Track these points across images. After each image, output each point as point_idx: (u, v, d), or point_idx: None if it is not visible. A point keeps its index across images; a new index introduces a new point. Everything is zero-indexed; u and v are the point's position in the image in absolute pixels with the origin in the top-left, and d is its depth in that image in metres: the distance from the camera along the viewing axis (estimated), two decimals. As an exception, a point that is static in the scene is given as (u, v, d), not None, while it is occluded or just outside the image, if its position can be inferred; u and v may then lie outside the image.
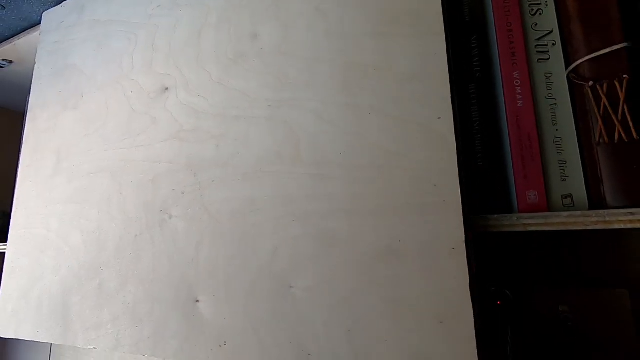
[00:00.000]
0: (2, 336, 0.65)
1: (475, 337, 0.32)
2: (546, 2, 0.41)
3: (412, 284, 0.36)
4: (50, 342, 0.61)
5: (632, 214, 0.31)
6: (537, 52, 0.41)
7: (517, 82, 0.41)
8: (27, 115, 0.75)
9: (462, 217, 0.35)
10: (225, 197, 0.48)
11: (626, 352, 0.43)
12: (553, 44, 0.41)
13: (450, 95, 0.38)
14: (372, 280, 0.38)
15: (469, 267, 0.34)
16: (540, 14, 0.42)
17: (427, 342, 0.34)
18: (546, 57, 0.41)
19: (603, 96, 0.35)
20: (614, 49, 0.35)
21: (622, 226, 0.32)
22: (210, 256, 0.47)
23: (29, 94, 1.01)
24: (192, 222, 0.50)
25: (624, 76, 0.34)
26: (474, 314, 0.33)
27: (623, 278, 0.50)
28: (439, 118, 0.38)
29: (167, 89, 0.56)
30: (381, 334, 0.36)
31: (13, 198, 0.88)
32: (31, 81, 1.03)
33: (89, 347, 0.54)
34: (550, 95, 0.40)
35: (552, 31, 0.41)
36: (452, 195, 0.36)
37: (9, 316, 0.65)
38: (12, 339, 1.10)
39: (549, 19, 0.41)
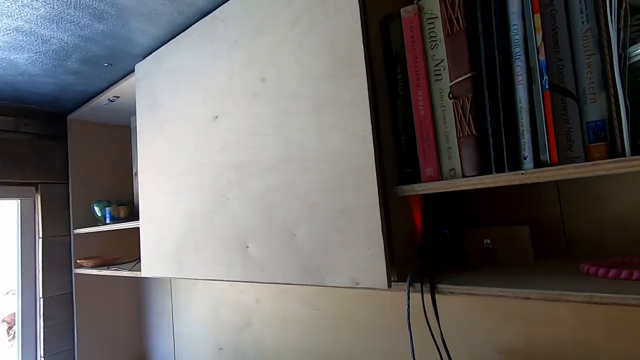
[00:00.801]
0: (146, 276, 1.08)
1: (385, 255, 0.59)
2: (440, 39, 0.61)
3: (355, 226, 0.63)
4: (171, 277, 1.00)
5: (471, 179, 0.54)
6: (435, 74, 0.62)
7: (420, 97, 0.62)
8: (138, 135, 1.14)
9: (377, 189, 0.60)
10: (255, 185, 0.78)
11: (525, 269, 0.65)
12: (444, 69, 0.61)
13: (369, 115, 0.62)
14: (336, 226, 0.65)
15: (382, 215, 0.60)
16: (437, 48, 0.62)
17: (361, 256, 0.61)
18: (440, 77, 0.61)
19: (460, 108, 0.56)
20: (464, 77, 0.55)
21: (469, 187, 0.54)
22: (251, 220, 0.79)
23: (132, 115, 1.43)
24: (240, 201, 0.81)
25: (470, 95, 0.55)
26: (385, 244, 0.59)
27: (525, 218, 0.70)
28: (364, 130, 0.62)
29: (216, 117, 0.88)
30: (340, 253, 0.64)
31: (133, 189, 1.31)
32: (132, 107, 1.44)
33: (193, 278, 0.91)
34: (442, 104, 0.61)
35: (443, 60, 0.61)
36: (371, 176, 0.61)
37: (147, 264, 1.07)
38: (150, 277, 1.61)
39: (441, 52, 0.61)
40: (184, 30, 1.01)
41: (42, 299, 1.48)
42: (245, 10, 0.83)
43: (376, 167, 0.61)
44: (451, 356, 0.69)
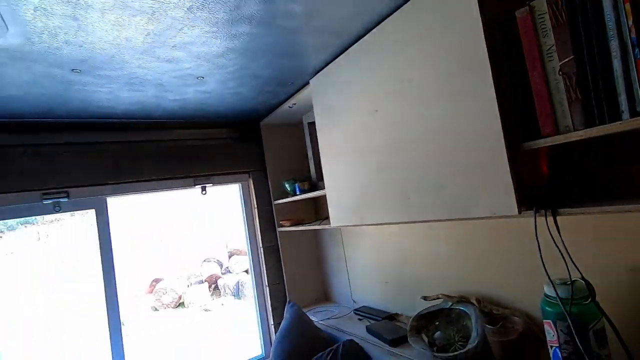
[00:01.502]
0: (334, 226, 1.57)
1: (514, 191, 0.85)
2: (549, 29, 0.81)
3: (489, 174, 0.91)
4: (352, 224, 1.45)
5: (580, 131, 0.75)
6: (547, 56, 0.83)
7: (536, 75, 0.84)
8: (317, 129, 1.62)
9: (504, 145, 0.86)
10: (410, 154, 1.13)
11: None
12: (554, 52, 0.81)
13: (494, 93, 0.88)
14: (475, 176, 0.94)
15: (511, 165, 0.86)
16: (547, 36, 0.82)
17: (495, 195, 0.89)
18: (552, 58, 0.82)
19: (568, 80, 0.77)
20: (569, 58, 0.76)
21: (580, 138, 0.76)
22: (409, 180, 1.14)
23: (303, 115, 1.93)
24: (400, 166, 1.17)
25: (575, 70, 0.75)
26: (514, 184, 0.85)
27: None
28: (490, 103, 0.89)
29: (376, 110, 1.25)
30: (479, 194, 0.93)
31: (309, 168, 1.81)
32: (304, 109, 1.94)
33: (369, 224, 1.33)
34: (555, 78, 0.82)
35: (552, 45, 0.81)
36: (499, 136, 0.87)
37: (334, 217, 1.56)
38: (330, 230, 2.14)
39: (551, 39, 0.81)
40: (343, 52, 1.41)
41: (262, 248, 2.20)
42: (389, 32, 1.16)
43: (503, 130, 0.87)
44: (582, 273, 0.89)
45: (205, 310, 7.05)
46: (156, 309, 7.26)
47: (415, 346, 1.34)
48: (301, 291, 2.20)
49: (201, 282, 7.85)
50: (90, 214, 1.81)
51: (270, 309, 2.17)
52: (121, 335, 1.81)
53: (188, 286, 7.73)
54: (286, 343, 1.70)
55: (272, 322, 2.16)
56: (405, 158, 1.15)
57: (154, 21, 1.03)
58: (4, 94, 1.34)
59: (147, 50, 1.19)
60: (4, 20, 0.92)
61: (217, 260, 8.46)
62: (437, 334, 1.34)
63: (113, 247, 1.84)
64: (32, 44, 1.05)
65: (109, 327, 1.79)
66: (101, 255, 1.81)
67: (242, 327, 5.63)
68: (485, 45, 0.89)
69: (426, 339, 1.34)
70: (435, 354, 1.26)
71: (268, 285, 2.17)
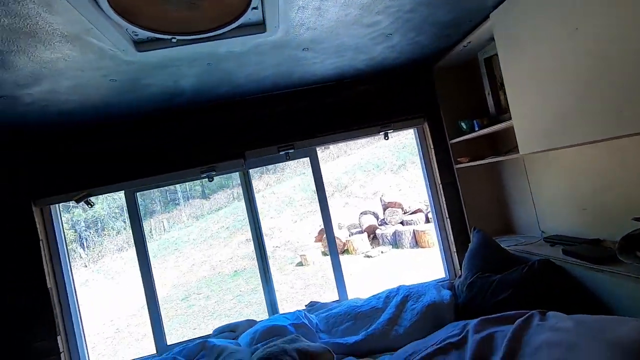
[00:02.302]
0: (523, 153, 1.65)
1: None
2: None
3: None
4: (544, 149, 1.51)
5: None
6: None
7: None
8: (502, 62, 1.68)
9: None
10: (612, 72, 1.12)
11: None
12: None
13: None
14: None
15: None
16: None
17: None
18: None
19: None
20: None
21: None
22: (620, 91, 1.14)
23: (479, 51, 1.97)
24: (606, 83, 1.17)
25: None
26: None
27: None
28: None
29: (576, 29, 1.25)
30: None
31: (487, 105, 1.87)
32: (478, 46, 1.98)
33: (564, 146, 1.37)
34: None
35: None
36: None
37: (522, 145, 1.63)
38: (514, 160, 2.19)
39: None
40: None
41: (440, 185, 2.42)
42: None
43: None
44: None
45: (367, 256, 7.88)
46: (326, 254, 8.53)
47: (628, 261, 1.35)
48: (482, 224, 2.34)
49: (360, 232, 8.74)
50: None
51: (452, 238, 2.41)
52: (339, 259, 2.39)
53: (349, 235, 8.74)
54: (477, 260, 1.93)
55: (455, 249, 2.40)
56: (615, 73, 1.15)
57: (369, -5, 1.32)
58: (261, 75, 1.92)
59: (357, 21, 1.51)
60: (278, 22, 1.37)
61: (374, 212, 9.17)
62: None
63: (324, 189, 2.41)
64: (287, 35, 1.50)
65: (331, 254, 2.39)
66: (318, 194, 2.40)
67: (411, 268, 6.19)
68: None
69: (641, 255, 1.33)
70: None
71: (448, 217, 2.40)
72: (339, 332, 1.93)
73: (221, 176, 2.45)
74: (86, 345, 2.24)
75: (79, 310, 2.25)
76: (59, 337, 2.11)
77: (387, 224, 8.71)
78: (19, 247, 2.10)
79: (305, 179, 12.26)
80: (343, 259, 8.14)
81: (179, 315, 7.30)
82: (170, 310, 7.54)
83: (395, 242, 8.02)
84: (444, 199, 2.42)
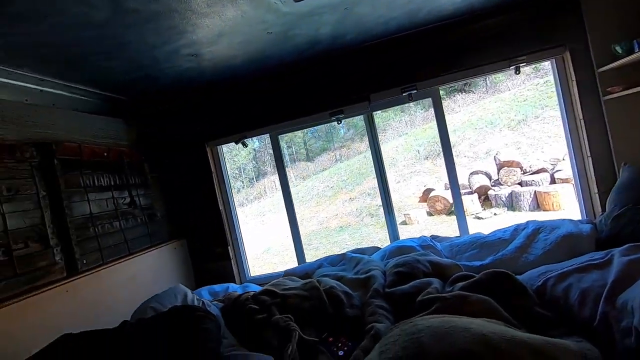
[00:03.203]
0: None
1: None
2: None
3: None
4: None
5: None
6: None
7: None
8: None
9: None
10: None
11: None
12: None
13: None
14: None
15: None
16: None
17: None
18: None
19: None
20: None
21: None
22: None
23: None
24: None
25: None
26: None
27: None
28: None
29: None
30: None
31: None
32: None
33: None
34: None
35: None
36: None
37: None
38: None
39: None
40: None
41: (582, 120, 2.23)
42: None
43: None
44: None
45: (477, 218, 7.51)
46: (430, 214, 8.42)
47: None
48: (633, 161, 2.10)
49: (470, 192, 8.29)
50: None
51: (592, 178, 2.23)
52: (460, 196, 2.46)
53: (458, 196, 8.36)
54: (627, 193, 1.79)
55: (597, 191, 2.22)
56: None
57: None
58: (389, 17, 2.03)
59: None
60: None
61: (486, 172, 8.56)
62: None
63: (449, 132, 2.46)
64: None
65: (452, 189, 2.48)
66: (440, 137, 2.47)
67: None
68: None
69: None
70: None
71: (590, 156, 2.22)
72: (463, 258, 2.04)
73: (343, 125, 2.70)
74: (246, 256, 2.86)
75: (240, 229, 2.85)
76: (229, 247, 2.74)
77: (501, 184, 8.09)
78: (199, 178, 2.74)
79: (408, 139, 12.00)
80: (449, 219, 7.96)
81: (294, 261, 8.30)
82: (285, 257, 8.59)
83: (512, 204, 7.45)
84: (585, 136, 2.23)
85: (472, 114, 11.34)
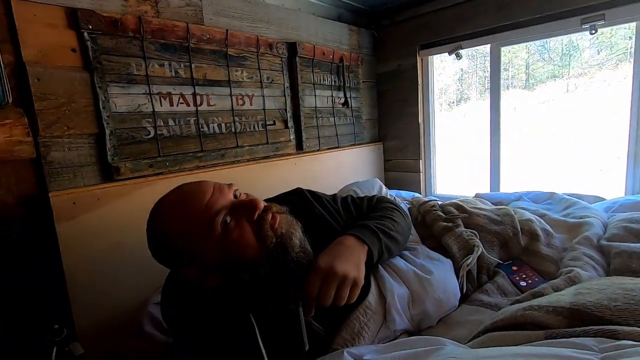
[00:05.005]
0: None
1: None
2: None
3: None
4: None
5: None
6: None
7: None
8: None
9: None
10: None
11: None
12: None
13: None
14: None
15: None
16: None
17: None
18: None
19: None
20: None
21: None
22: None
23: None
24: None
25: None
26: None
27: None
28: None
29: None
30: None
31: None
32: None
33: None
34: None
35: None
36: None
37: None
38: None
39: None
40: None
41: None
42: None
43: None
44: None
45: None
46: None
47: None
48: None
49: None
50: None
51: None
52: None
53: None
54: None
55: None
56: None
57: None
58: None
59: None
60: None
61: None
62: None
63: None
64: None
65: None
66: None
67: None
68: None
69: None
70: None
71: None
72: None
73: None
74: (436, 173, 2.89)
75: (435, 145, 2.84)
76: (420, 160, 2.82)
77: None
78: (404, 89, 2.78)
79: None
80: None
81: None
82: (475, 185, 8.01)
83: None
84: None
85: None
